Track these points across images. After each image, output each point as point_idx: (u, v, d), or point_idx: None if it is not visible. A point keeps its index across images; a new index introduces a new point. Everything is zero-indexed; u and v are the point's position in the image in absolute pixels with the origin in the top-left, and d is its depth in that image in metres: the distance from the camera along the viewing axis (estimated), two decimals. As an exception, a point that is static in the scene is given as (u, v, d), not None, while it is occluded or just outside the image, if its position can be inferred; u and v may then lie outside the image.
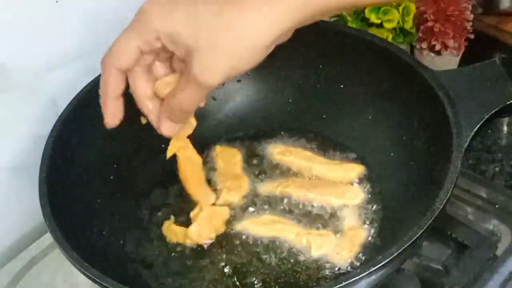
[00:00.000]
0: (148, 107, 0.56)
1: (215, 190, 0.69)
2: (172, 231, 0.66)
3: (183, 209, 0.68)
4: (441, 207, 0.53)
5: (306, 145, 0.73)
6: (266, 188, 0.69)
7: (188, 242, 0.64)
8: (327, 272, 0.61)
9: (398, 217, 0.63)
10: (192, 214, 0.66)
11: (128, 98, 0.71)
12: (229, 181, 0.69)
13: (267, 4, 0.48)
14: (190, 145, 0.64)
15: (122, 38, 0.53)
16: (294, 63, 0.74)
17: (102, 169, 0.68)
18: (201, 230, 0.65)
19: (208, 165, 0.72)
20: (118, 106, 0.55)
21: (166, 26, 0.50)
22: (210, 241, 0.64)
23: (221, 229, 0.65)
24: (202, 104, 0.55)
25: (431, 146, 0.62)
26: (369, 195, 0.67)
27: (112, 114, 0.56)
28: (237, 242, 0.64)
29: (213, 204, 0.67)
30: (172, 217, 0.67)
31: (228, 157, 0.72)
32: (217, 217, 0.66)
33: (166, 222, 0.67)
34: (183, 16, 0.50)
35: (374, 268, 0.50)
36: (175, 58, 0.55)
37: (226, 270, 0.62)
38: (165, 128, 0.56)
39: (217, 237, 0.65)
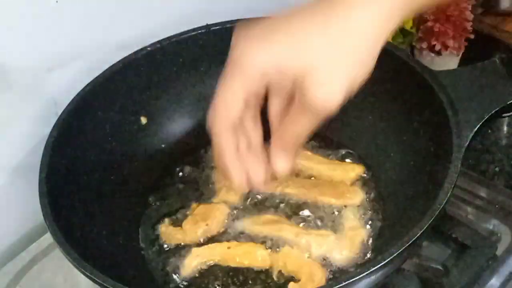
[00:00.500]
0: (228, 137, 0.51)
1: (214, 189, 0.69)
2: (169, 232, 0.66)
3: (182, 210, 0.68)
4: (441, 207, 0.53)
5: (306, 145, 0.73)
6: (266, 188, 0.69)
7: (186, 242, 0.64)
8: (327, 272, 0.61)
9: (398, 217, 0.63)
10: (189, 212, 0.66)
11: (128, 97, 0.72)
12: (229, 180, 0.69)
13: (370, 9, 0.46)
14: None
15: (227, 91, 0.49)
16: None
17: (102, 169, 0.68)
18: (195, 226, 0.65)
19: (209, 164, 0.72)
20: (243, 170, 0.52)
21: (270, 59, 0.46)
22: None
23: (220, 228, 0.65)
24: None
25: (431, 146, 0.62)
26: (369, 195, 0.67)
27: (240, 173, 0.52)
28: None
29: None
30: (167, 219, 0.67)
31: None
32: (214, 215, 0.66)
33: (162, 224, 0.67)
34: (284, 44, 0.46)
35: (374, 268, 0.50)
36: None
37: (225, 271, 0.62)
38: (280, 164, 0.52)
39: (217, 236, 0.65)
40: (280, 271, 0.61)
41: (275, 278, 0.61)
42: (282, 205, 0.67)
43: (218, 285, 0.61)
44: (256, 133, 0.53)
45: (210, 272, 0.62)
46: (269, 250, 0.63)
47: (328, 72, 0.46)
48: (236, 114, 0.49)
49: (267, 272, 0.61)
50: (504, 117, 0.80)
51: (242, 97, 0.48)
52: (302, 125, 0.49)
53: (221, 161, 0.52)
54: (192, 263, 0.62)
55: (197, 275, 0.62)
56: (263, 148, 0.54)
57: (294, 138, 0.50)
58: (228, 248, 0.63)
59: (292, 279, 0.61)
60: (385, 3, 0.47)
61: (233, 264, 0.62)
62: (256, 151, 0.53)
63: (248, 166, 0.53)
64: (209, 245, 0.64)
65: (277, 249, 0.63)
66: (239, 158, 0.52)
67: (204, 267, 0.63)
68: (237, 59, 0.48)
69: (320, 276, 0.60)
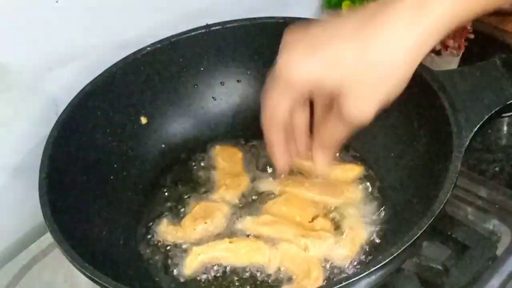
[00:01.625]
0: (279, 132, 0.59)
1: (214, 188, 0.70)
2: (168, 231, 0.66)
3: (181, 209, 0.68)
4: (441, 207, 0.53)
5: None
6: (266, 187, 0.69)
7: (185, 240, 0.64)
8: (327, 272, 0.61)
9: (398, 217, 0.63)
10: (188, 211, 0.66)
11: (128, 97, 0.72)
12: (229, 179, 0.70)
13: (412, 25, 0.48)
14: None
15: (273, 100, 0.55)
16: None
17: (102, 169, 0.68)
18: (194, 223, 0.65)
19: (209, 164, 0.72)
20: (288, 156, 0.60)
21: (310, 75, 0.51)
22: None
23: (220, 227, 0.65)
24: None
25: (431, 146, 0.62)
26: (369, 195, 0.67)
27: (284, 164, 0.61)
28: (237, 242, 0.65)
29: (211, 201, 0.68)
30: (167, 219, 0.67)
31: (229, 156, 0.72)
32: (214, 214, 0.66)
33: (162, 224, 0.67)
34: (323, 63, 0.50)
35: (374, 268, 0.50)
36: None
37: (226, 268, 0.62)
38: (319, 160, 0.59)
39: (216, 236, 0.65)
40: (278, 268, 0.61)
41: (272, 275, 0.61)
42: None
43: (219, 285, 0.61)
44: (302, 122, 0.59)
45: (210, 271, 0.62)
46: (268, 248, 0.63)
47: (362, 91, 0.50)
48: (283, 116, 0.56)
49: (267, 270, 0.61)
50: (504, 117, 0.80)
51: (287, 104, 0.54)
52: (338, 131, 0.55)
53: (270, 152, 0.60)
54: (193, 262, 0.62)
55: (197, 274, 0.62)
56: (308, 134, 0.60)
57: (331, 141, 0.57)
58: (231, 243, 0.63)
59: (290, 277, 0.61)
60: (426, 24, 0.48)
61: (234, 262, 0.62)
62: (302, 136, 0.60)
63: (292, 150, 0.61)
64: (210, 243, 0.64)
65: (276, 247, 0.63)
66: (285, 150, 0.59)
67: (205, 266, 0.62)
68: (282, 70, 0.53)
69: (317, 273, 0.60)
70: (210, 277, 0.62)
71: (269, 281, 0.61)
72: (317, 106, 0.58)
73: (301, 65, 0.51)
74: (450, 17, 0.48)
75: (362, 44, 0.49)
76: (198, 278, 0.62)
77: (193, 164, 0.73)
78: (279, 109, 0.55)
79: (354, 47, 0.49)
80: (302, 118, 0.59)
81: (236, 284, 0.61)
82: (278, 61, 0.53)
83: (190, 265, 0.62)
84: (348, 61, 0.49)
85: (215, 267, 0.62)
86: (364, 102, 0.50)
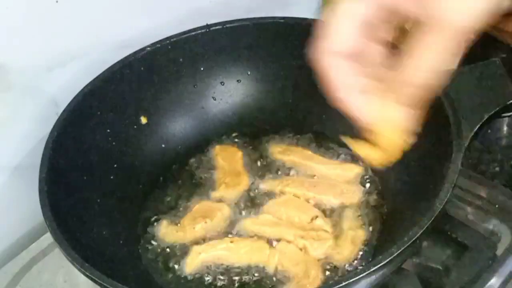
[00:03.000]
0: (338, 64, 0.43)
1: (214, 187, 0.70)
2: (168, 231, 0.66)
3: (181, 209, 0.68)
4: (441, 207, 0.53)
5: (306, 145, 0.73)
6: (266, 186, 0.69)
7: (185, 239, 0.65)
8: (327, 272, 0.61)
9: (398, 217, 0.63)
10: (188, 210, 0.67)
11: (128, 97, 0.72)
12: (229, 178, 0.70)
13: None
14: None
15: (341, 16, 0.41)
16: (294, 63, 0.74)
17: (102, 169, 0.68)
18: (194, 222, 0.65)
19: (209, 164, 0.72)
20: (359, 100, 0.44)
21: None
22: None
23: (220, 227, 0.65)
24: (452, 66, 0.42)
25: (431, 146, 0.62)
26: (369, 195, 0.67)
27: (362, 105, 0.44)
28: (237, 242, 0.65)
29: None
30: (167, 218, 0.67)
31: (229, 155, 0.72)
32: (214, 214, 0.66)
33: (162, 224, 0.67)
34: None
35: (374, 268, 0.50)
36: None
37: (225, 268, 0.62)
38: (390, 108, 0.41)
39: (216, 236, 0.65)
40: (277, 268, 0.61)
41: (272, 275, 0.61)
42: (282, 205, 0.67)
43: (219, 284, 0.61)
44: (375, 55, 0.43)
45: (210, 271, 0.62)
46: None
47: None
48: (346, 41, 0.41)
49: (266, 270, 0.61)
50: (504, 117, 0.80)
51: (358, 21, 0.40)
52: (434, 52, 0.39)
53: (336, 97, 0.44)
54: (193, 261, 0.62)
55: (197, 274, 0.62)
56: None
57: (424, 72, 0.40)
58: (231, 242, 0.63)
59: (289, 276, 0.61)
60: None
61: (234, 261, 0.62)
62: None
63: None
64: (210, 242, 0.64)
65: (275, 247, 0.63)
66: (357, 90, 0.43)
67: (205, 265, 0.62)
68: None
69: (316, 273, 0.60)
70: (210, 277, 0.62)
71: (269, 281, 0.61)
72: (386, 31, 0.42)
73: None
74: None
75: None
76: (198, 278, 0.62)
77: (193, 164, 0.73)
78: (348, 31, 0.40)
79: None
80: (376, 53, 0.42)
81: (236, 284, 0.61)
82: None
83: (190, 264, 0.62)
84: None
85: (215, 267, 0.62)
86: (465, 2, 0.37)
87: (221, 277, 0.62)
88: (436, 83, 0.40)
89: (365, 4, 0.40)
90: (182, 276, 0.62)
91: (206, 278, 0.62)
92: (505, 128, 0.80)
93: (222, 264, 0.62)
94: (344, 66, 0.42)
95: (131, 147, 0.71)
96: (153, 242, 0.66)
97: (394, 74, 0.41)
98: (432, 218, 0.52)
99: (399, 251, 0.50)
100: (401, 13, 0.40)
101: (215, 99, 0.76)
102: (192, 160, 0.73)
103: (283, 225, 0.64)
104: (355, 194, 0.67)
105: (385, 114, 0.43)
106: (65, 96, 0.67)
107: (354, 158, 0.70)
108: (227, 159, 0.72)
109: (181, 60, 0.74)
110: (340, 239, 0.63)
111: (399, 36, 0.43)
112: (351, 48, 0.41)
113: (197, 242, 0.64)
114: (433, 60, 0.39)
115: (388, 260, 0.50)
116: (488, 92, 0.61)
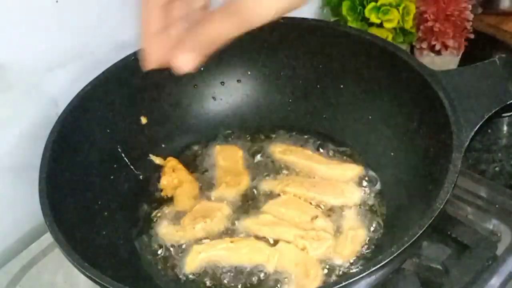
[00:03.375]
0: (152, 43, 0.49)
1: (214, 187, 0.70)
2: (168, 231, 0.66)
3: (181, 209, 0.68)
4: (441, 207, 0.53)
5: (306, 145, 0.73)
6: (266, 186, 0.69)
7: (185, 239, 0.65)
8: (327, 272, 0.61)
9: (398, 217, 0.63)
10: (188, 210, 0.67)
11: (128, 97, 0.71)
12: (229, 177, 0.70)
13: None
14: None
15: None
16: (294, 63, 0.74)
17: (102, 169, 0.68)
18: (194, 222, 0.65)
19: (209, 164, 0.72)
20: (159, 44, 0.49)
21: None
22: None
23: (220, 227, 0.65)
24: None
25: (431, 146, 0.62)
26: (369, 195, 0.67)
27: (150, 51, 0.50)
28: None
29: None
30: (167, 218, 0.67)
31: (230, 155, 0.72)
32: (215, 214, 0.66)
33: (162, 224, 0.67)
34: None
35: (374, 268, 0.50)
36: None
37: (225, 268, 0.62)
38: (183, 60, 0.46)
39: (216, 236, 0.65)
40: (277, 268, 0.61)
41: (272, 275, 0.61)
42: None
43: (218, 285, 0.61)
44: (153, 22, 0.50)
45: (210, 271, 0.62)
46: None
47: None
48: None
49: (266, 270, 0.61)
50: (504, 117, 0.80)
51: None
52: (223, 29, 0.45)
53: (142, 35, 0.50)
54: (193, 260, 0.62)
55: (198, 273, 0.62)
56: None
57: (210, 40, 0.45)
58: (232, 242, 0.63)
59: (289, 276, 0.61)
60: None
61: (234, 261, 0.62)
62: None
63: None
64: (210, 242, 0.64)
65: (275, 247, 0.63)
66: (160, 35, 0.49)
67: (205, 264, 0.62)
68: None
69: (316, 273, 0.60)
70: (209, 277, 0.62)
71: (269, 280, 0.61)
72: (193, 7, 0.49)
73: None
74: None
75: None
76: (198, 278, 0.62)
77: (193, 163, 0.73)
78: None
79: None
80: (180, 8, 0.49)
81: (236, 284, 0.61)
82: None
83: (190, 263, 0.62)
84: None
85: (215, 267, 0.62)
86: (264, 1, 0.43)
87: (221, 277, 0.62)
88: (216, 46, 0.46)
89: None
90: (182, 276, 0.62)
91: (206, 278, 0.62)
92: (505, 128, 0.80)
93: (222, 264, 0.62)
94: (154, 14, 0.48)
95: (131, 147, 0.71)
96: (153, 242, 0.66)
97: (196, 24, 0.46)
98: (432, 218, 0.52)
99: (399, 251, 0.50)
100: None
101: (215, 99, 0.76)
102: (191, 160, 0.73)
103: (283, 225, 0.64)
104: (355, 194, 0.67)
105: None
106: (65, 96, 0.67)
107: (354, 158, 0.70)
108: (228, 158, 0.72)
109: (181, 60, 0.74)
110: (340, 239, 0.63)
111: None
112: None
113: (197, 242, 0.64)
114: (216, 32, 0.45)
115: (388, 260, 0.50)
116: (488, 92, 0.61)
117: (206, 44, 0.46)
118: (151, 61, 0.49)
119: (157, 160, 0.72)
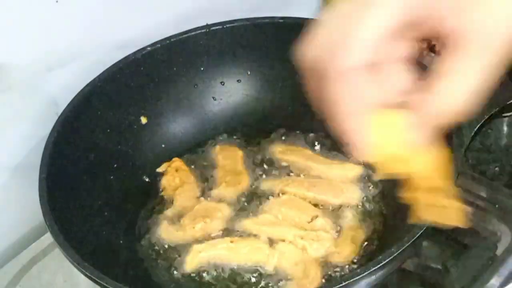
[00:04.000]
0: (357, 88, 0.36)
1: (214, 187, 0.70)
2: (169, 231, 0.66)
3: (181, 209, 0.68)
4: (441, 207, 0.53)
5: (306, 145, 0.73)
6: (266, 186, 0.69)
7: (185, 239, 0.64)
8: (327, 272, 0.61)
9: (398, 217, 0.63)
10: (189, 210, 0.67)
11: (128, 97, 0.72)
12: (229, 176, 0.70)
13: None
14: None
15: (357, 25, 0.34)
16: (294, 63, 0.73)
17: (102, 169, 0.68)
18: (194, 221, 0.65)
19: (209, 164, 0.72)
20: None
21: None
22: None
23: (220, 227, 0.65)
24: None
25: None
26: (369, 195, 0.67)
27: (362, 134, 0.37)
28: (237, 242, 0.64)
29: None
30: (167, 218, 0.67)
31: (230, 155, 0.72)
32: (215, 214, 0.66)
33: (162, 224, 0.67)
34: None
35: (374, 268, 0.50)
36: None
37: (226, 267, 0.62)
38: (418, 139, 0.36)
39: (216, 235, 0.65)
40: (277, 268, 0.61)
41: (271, 275, 0.61)
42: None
43: (218, 285, 0.61)
44: (395, 74, 0.37)
45: (210, 271, 0.62)
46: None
47: (485, 39, 0.33)
48: (369, 54, 0.34)
49: (266, 270, 0.61)
50: (504, 117, 0.80)
51: (379, 33, 0.34)
52: (470, 73, 0.34)
53: (334, 118, 0.38)
54: (193, 260, 0.63)
55: (197, 273, 0.62)
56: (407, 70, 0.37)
57: (457, 98, 0.35)
58: (232, 242, 0.63)
59: (288, 276, 0.61)
60: None
61: (234, 261, 0.62)
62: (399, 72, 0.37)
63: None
64: (211, 241, 0.64)
65: (275, 247, 0.63)
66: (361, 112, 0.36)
67: (205, 264, 0.62)
68: None
69: (315, 272, 0.60)
70: (209, 277, 0.62)
71: (268, 281, 0.61)
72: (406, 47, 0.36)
73: None
74: None
75: None
76: (198, 278, 0.62)
77: (193, 164, 0.73)
78: (364, 44, 0.33)
79: None
80: (399, 50, 0.36)
81: (235, 283, 0.61)
82: None
83: (190, 262, 0.62)
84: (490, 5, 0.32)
85: (215, 267, 0.62)
86: (485, 57, 0.32)
87: (221, 277, 0.62)
88: (468, 109, 0.35)
89: (391, 10, 0.33)
90: (182, 275, 0.62)
91: (206, 278, 0.62)
92: (505, 128, 0.80)
93: (221, 264, 0.62)
94: (360, 82, 0.34)
95: (131, 147, 0.71)
96: (153, 242, 0.66)
97: (418, 99, 0.34)
98: (432, 218, 0.52)
99: (399, 251, 0.50)
100: (431, 23, 0.34)
101: (215, 99, 0.76)
102: (192, 160, 0.73)
103: (283, 225, 0.64)
104: (355, 194, 0.67)
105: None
106: (65, 96, 0.67)
107: (354, 158, 0.70)
108: (228, 158, 0.72)
109: (181, 60, 0.74)
110: (340, 239, 0.63)
111: (423, 54, 0.36)
112: (368, 61, 0.34)
113: (197, 242, 0.64)
114: (468, 83, 0.34)
115: (388, 260, 0.50)
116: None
117: (457, 108, 0.36)
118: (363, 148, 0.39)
119: (163, 167, 0.72)
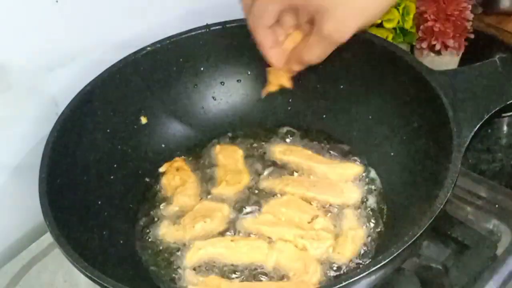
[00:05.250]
0: (272, 54, 0.63)
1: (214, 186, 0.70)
2: (169, 231, 0.66)
3: (182, 208, 0.68)
4: (441, 207, 0.53)
5: (306, 145, 0.73)
6: (266, 186, 0.69)
7: (186, 239, 0.65)
8: (327, 272, 0.61)
9: (398, 217, 0.63)
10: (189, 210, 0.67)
11: (128, 97, 0.72)
12: (230, 175, 0.70)
13: None
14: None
15: (262, 5, 0.59)
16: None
17: (102, 169, 0.68)
18: (194, 221, 0.65)
19: (209, 164, 0.72)
20: (279, 52, 0.63)
21: None
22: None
23: (220, 227, 0.65)
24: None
25: (431, 146, 0.62)
26: (369, 195, 0.67)
27: (275, 58, 0.64)
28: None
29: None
30: (167, 218, 0.67)
31: (230, 154, 0.72)
32: (215, 214, 0.66)
33: (162, 223, 0.67)
34: None
35: (374, 268, 0.50)
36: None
37: (225, 266, 0.62)
38: (294, 68, 0.64)
39: (216, 235, 0.65)
40: (276, 266, 0.61)
41: (271, 273, 0.61)
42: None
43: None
44: (290, 22, 0.62)
45: (210, 270, 0.62)
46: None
47: (343, 15, 0.55)
48: (270, 18, 0.60)
49: (265, 268, 0.61)
50: (504, 117, 0.80)
51: (275, 10, 0.59)
52: (316, 50, 0.60)
53: (261, 49, 0.64)
54: (194, 256, 0.63)
55: (197, 273, 0.62)
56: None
57: (307, 59, 0.62)
58: (232, 241, 0.63)
59: (288, 274, 0.61)
60: None
61: (234, 260, 0.62)
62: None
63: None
64: (212, 239, 0.64)
65: (274, 246, 0.63)
66: (275, 43, 0.63)
67: (205, 261, 0.62)
68: None
69: (315, 268, 0.60)
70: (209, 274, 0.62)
71: (268, 279, 0.61)
72: (300, 22, 0.61)
73: None
74: None
75: None
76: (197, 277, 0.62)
77: (194, 163, 0.73)
78: (267, 13, 0.59)
79: None
80: (290, 21, 0.62)
81: (235, 281, 0.61)
82: None
83: (191, 258, 0.62)
84: None
85: (215, 266, 0.62)
86: (344, 24, 0.55)
87: (219, 276, 0.62)
88: (313, 62, 0.63)
89: (278, 3, 0.58)
90: (182, 275, 0.62)
91: (205, 276, 0.62)
92: (505, 128, 0.80)
93: (221, 263, 0.62)
94: (267, 33, 0.62)
95: (131, 147, 0.71)
96: (153, 242, 0.66)
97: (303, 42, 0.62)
98: (432, 218, 0.52)
99: (399, 251, 0.50)
100: (302, 6, 0.58)
101: (215, 99, 0.76)
102: (191, 160, 0.73)
103: (283, 225, 0.64)
104: (355, 194, 0.67)
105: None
106: (65, 96, 0.67)
107: (354, 158, 0.71)
108: (228, 157, 0.72)
109: (181, 60, 0.74)
110: (340, 239, 0.63)
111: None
112: (272, 22, 0.60)
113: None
114: (310, 56, 0.61)
115: (388, 260, 0.50)
116: (488, 92, 0.61)
117: (306, 61, 0.63)
118: (279, 62, 0.65)
119: (164, 167, 0.72)
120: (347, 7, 0.54)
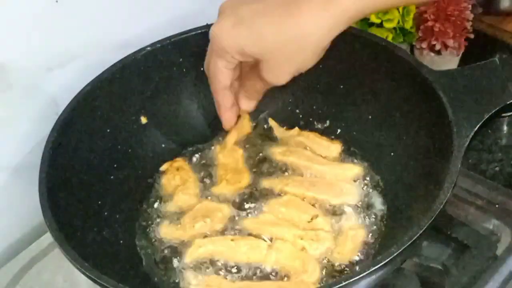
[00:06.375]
0: (227, 116, 0.68)
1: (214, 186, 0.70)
2: (169, 231, 0.66)
3: (182, 208, 0.68)
4: (441, 207, 0.53)
5: (307, 145, 0.73)
6: (266, 186, 0.69)
7: (186, 238, 0.65)
8: (327, 272, 0.61)
9: (398, 217, 0.63)
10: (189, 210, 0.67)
11: (128, 97, 0.72)
12: (230, 175, 0.70)
13: (323, 11, 0.56)
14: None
15: (211, 63, 0.63)
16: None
17: (102, 169, 0.68)
18: (194, 221, 0.65)
19: (209, 164, 0.72)
20: (233, 113, 0.68)
21: (236, 46, 0.59)
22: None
23: (220, 226, 0.65)
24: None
25: (431, 146, 0.62)
26: (369, 195, 0.67)
27: (229, 120, 0.69)
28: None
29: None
30: (167, 218, 0.67)
31: (230, 154, 0.72)
32: (215, 214, 0.66)
33: (162, 223, 0.67)
34: (247, 35, 0.59)
35: (374, 268, 0.50)
36: None
37: (225, 265, 0.62)
38: (244, 103, 0.68)
39: (216, 235, 0.65)
40: (275, 265, 0.61)
41: (271, 273, 0.61)
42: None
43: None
44: (222, 84, 0.66)
45: (209, 269, 0.62)
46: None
47: (279, 62, 0.60)
48: (226, 81, 0.64)
49: (265, 268, 0.61)
50: (504, 117, 0.80)
51: (226, 70, 0.63)
52: (259, 87, 0.65)
53: (218, 110, 0.68)
54: (194, 253, 0.63)
55: (197, 272, 0.62)
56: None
57: (253, 92, 0.67)
58: (232, 240, 0.63)
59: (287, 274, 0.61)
60: (336, 12, 0.56)
61: (233, 259, 0.62)
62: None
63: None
64: (212, 237, 0.64)
65: (274, 246, 0.63)
66: (231, 107, 0.68)
67: (205, 260, 0.62)
68: (212, 44, 0.62)
69: (314, 267, 0.60)
70: (208, 273, 0.62)
71: (268, 278, 0.61)
72: (244, 65, 0.65)
73: (231, 35, 0.59)
74: (354, 10, 0.57)
75: (282, 21, 0.57)
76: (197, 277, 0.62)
77: (194, 163, 0.73)
78: (219, 70, 0.63)
79: (276, 22, 0.57)
80: (234, 74, 0.66)
81: (234, 280, 0.61)
82: (212, 28, 0.61)
83: (190, 255, 0.63)
84: (269, 36, 0.58)
85: (214, 265, 0.62)
86: (280, 70, 0.60)
87: (220, 276, 0.62)
88: (259, 95, 0.68)
89: (231, 60, 0.62)
90: (183, 275, 0.62)
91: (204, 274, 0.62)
92: (505, 128, 0.80)
93: (221, 262, 0.62)
94: (226, 94, 0.66)
95: (131, 147, 0.71)
96: (153, 242, 0.66)
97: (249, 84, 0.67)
98: (432, 218, 0.52)
99: (399, 251, 0.50)
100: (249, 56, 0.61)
101: (215, 99, 0.76)
102: (192, 160, 0.73)
103: (283, 225, 0.64)
104: (355, 194, 0.67)
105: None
106: (65, 96, 0.67)
107: (354, 158, 0.71)
108: (228, 157, 0.72)
109: (181, 60, 0.74)
110: (340, 239, 0.63)
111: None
112: (228, 82, 0.65)
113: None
114: (255, 89, 0.66)
115: (388, 260, 0.50)
116: (488, 92, 0.61)
117: (253, 95, 0.67)
118: (227, 127, 0.70)
119: (165, 166, 0.72)
120: (279, 60, 0.59)
